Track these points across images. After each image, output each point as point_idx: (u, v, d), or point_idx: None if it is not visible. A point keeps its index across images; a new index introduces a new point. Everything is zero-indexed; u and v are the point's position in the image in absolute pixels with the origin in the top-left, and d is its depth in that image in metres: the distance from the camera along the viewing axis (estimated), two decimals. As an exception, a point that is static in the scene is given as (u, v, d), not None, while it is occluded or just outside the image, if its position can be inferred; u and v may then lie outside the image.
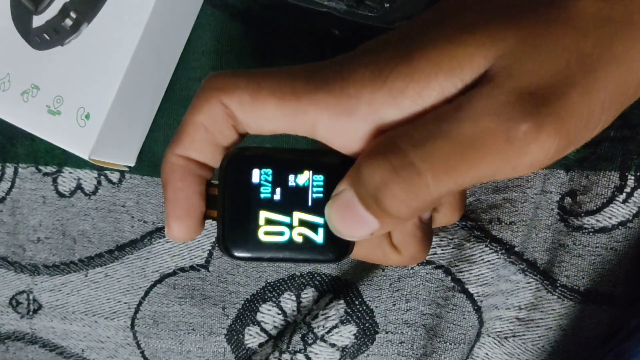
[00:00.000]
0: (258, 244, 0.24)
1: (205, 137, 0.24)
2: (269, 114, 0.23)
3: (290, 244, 0.24)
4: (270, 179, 0.24)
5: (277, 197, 0.24)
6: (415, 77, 0.21)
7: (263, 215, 0.24)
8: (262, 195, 0.24)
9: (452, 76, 0.21)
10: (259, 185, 0.24)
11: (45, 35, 0.36)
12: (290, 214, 0.24)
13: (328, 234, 0.24)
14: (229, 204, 0.24)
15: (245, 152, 0.24)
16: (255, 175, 0.24)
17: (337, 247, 0.24)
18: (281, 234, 0.24)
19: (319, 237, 0.24)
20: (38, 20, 0.37)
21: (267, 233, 0.24)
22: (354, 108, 0.22)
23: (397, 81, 0.21)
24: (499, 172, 0.21)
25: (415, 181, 0.21)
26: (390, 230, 0.26)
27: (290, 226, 0.24)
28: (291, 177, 0.24)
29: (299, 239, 0.24)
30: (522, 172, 0.21)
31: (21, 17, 0.37)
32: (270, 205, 0.24)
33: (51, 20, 0.36)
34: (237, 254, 0.25)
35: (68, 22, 0.36)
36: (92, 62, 0.36)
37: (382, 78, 0.21)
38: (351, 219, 0.22)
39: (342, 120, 0.22)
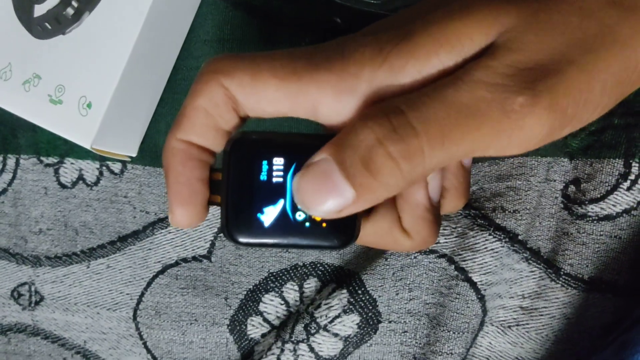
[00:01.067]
0: (262, 230, 0.24)
1: (206, 121, 0.24)
2: (269, 95, 0.23)
3: (294, 230, 0.24)
4: (274, 163, 0.24)
5: (281, 181, 0.24)
6: (415, 53, 0.21)
7: (267, 200, 0.24)
8: (266, 180, 0.24)
9: (453, 52, 0.21)
10: (264, 169, 0.24)
11: (46, 24, 0.36)
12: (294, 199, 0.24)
13: (333, 219, 0.24)
14: (233, 189, 0.24)
15: (250, 136, 0.24)
16: (259, 160, 0.24)
17: (342, 232, 0.24)
18: (285, 219, 0.24)
19: (324, 223, 0.24)
20: (40, 9, 0.36)
21: (271, 218, 0.24)
22: (355, 86, 0.22)
23: (398, 58, 0.21)
24: (492, 145, 0.21)
25: (412, 143, 0.20)
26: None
27: (295, 211, 0.24)
28: (296, 162, 0.24)
29: (304, 225, 0.24)
30: (517, 148, 0.21)
31: (23, 5, 0.37)
32: (274, 190, 0.24)
33: (53, 9, 0.36)
34: (240, 239, 0.24)
35: (70, 10, 0.36)
36: (93, 51, 0.36)
37: (383, 56, 0.21)
38: (325, 190, 0.22)
39: (343, 99, 0.22)
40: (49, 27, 0.36)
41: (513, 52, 0.20)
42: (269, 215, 0.24)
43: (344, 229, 0.24)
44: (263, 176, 0.24)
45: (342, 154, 0.22)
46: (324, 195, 0.22)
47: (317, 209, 0.22)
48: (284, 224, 0.24)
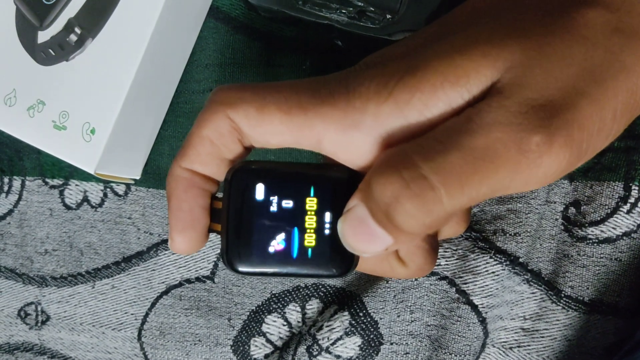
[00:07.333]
0: (262, 259, 0.24)
1: (211, 151, 0.24)
2: (274, 128, 0.23)
3: (294, 259, 0.24)
4: (275, 193, 0.24)
5: (281, 211, 0.24)
6: (421, 87, 0.21)
7: (267, 229, 0.24)
8: (266, 210, 0.24)
9: (459, 87, 0.21)
10: (264, 199, 0.24)
11: (50, 50, 0.37)
12: (294, 229, 0.24)
13: (332, 249, 0.24)
14: (233, 217, 0.24)
15: (251, 166, 0.24)
16: (260, 189, 0.24)
17: (341, 262, 0.24)
18: (285, 249, 0.24)
19: (323, 253, 0.24)
20: (43, 36, 0.37)
21: (271, 248, 0.24)
22: (360, 121, 0.22)
23: (403, 92, 0.21)
24: (512, 185, 0.21)
25: (428, 196, 0.20)
26: (406, 244, 0.26)
27: (294, 241, 0.24)
28: (296, 192, 0.24)
29: (303, 254, 0.24)
30: (535, 185, 0.21)
31: (26, 32, 0.37)
32: (274, 219, 0.24)
33: (56, 35, 0.37)
34: (240, 268, 0.25)
35: (73, 37, 0.36)
36: (97, 77, 0.36)
37: (388, 90, 0.21)
38: (364, 235, 0.22)
39: (348, 134, 0.22)
40: (53, 54, 0.37)
41: (523, 88, 0.20)
42: (268, 244, 0.24)
43: (342, 258, 0.24)
44: (263, 206, 0.24)
45: (370, 202, 0.22)
46: (365, 240, 0.22)
47: (362, 252, 0.23)
48: (283, 253, 0.24)
